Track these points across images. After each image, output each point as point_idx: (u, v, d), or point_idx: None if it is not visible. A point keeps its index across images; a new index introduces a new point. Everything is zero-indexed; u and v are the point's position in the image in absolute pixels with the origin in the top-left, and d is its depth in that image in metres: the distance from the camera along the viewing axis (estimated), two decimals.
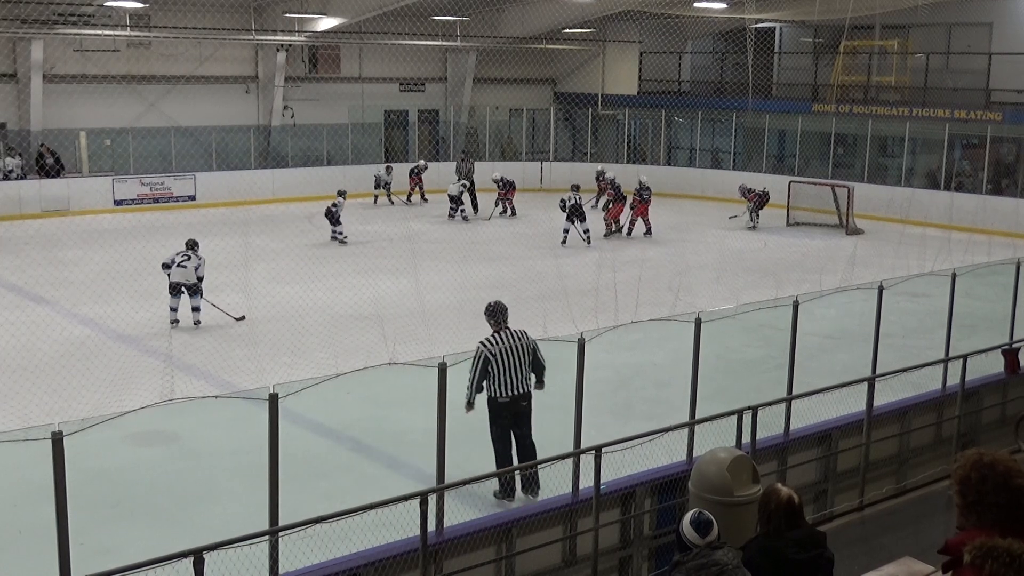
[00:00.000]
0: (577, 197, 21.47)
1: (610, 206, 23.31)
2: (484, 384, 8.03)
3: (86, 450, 5.97)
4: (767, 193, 24.28)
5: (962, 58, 27.34)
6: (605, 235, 22.52)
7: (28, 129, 24.43)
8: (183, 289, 14.36)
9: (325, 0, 25.53)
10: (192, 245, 14.88)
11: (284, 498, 5.66)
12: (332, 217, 21.25)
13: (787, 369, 8.47)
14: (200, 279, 14.46)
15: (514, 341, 8.06)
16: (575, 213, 21.21)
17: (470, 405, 8.06)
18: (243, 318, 14.39)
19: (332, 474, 9.29)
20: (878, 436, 8.65)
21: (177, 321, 14.30)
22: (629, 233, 22.72)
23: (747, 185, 24.86)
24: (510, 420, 8.03)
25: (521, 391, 8.02)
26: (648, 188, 22.97)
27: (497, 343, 8.03)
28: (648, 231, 22.85)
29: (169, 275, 14.33)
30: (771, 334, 12.27)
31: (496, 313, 8.29)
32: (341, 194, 21.54)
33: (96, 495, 8.41)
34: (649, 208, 22.86)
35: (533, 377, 8.19)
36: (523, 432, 8.07)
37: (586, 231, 21.28)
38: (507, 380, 7.97)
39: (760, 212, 24.31)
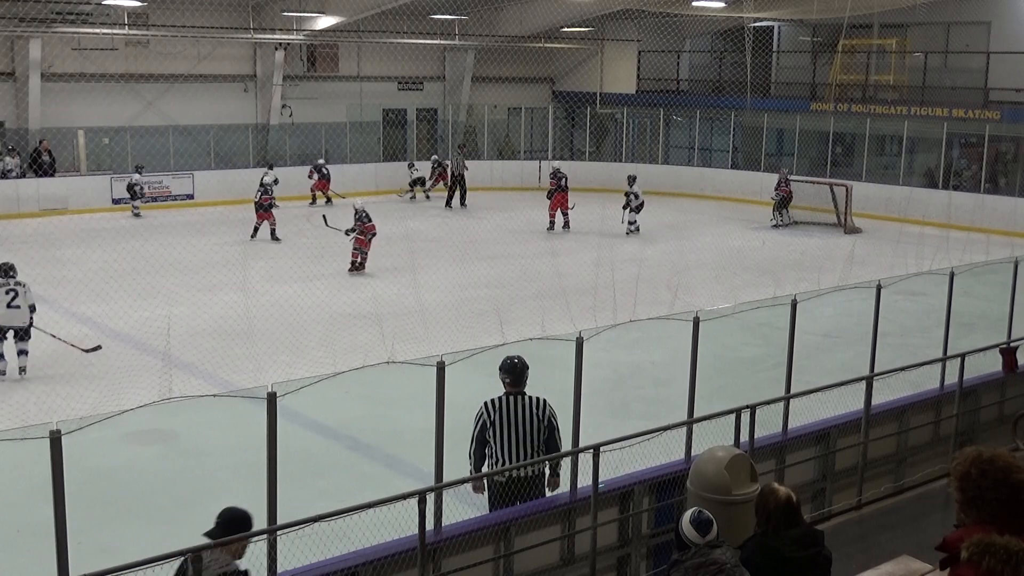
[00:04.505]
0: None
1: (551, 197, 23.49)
2: (485, 454, 6.86)
3: (84, 449, 5.97)
4: (792, 193, 24.39)
5: (960, 57, 27.35)
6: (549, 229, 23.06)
7: (26, 128, 24.42)
8: (5, 335, 11.63)
9: None
10: (8, 271, 11.83)
11: (282, 497, 5.66)
12: (134, 192, 23.70)
13: (785, 368, 8.47)
14: (33, 309, 11.82)
15: (525, 411, 6.78)
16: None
17: (478, 486, 6.84)
18: (98, 348, 12.39)
19: (330, 473, 9.29)
20: (876, 435, 8.65)
21: (2, 373, 11.62)
22: (552, 226, 23.04)
23: (787, 176, 24.86)
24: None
25: (522, 474, 6.75)
26: (565, 176, 23.30)
27: (501, 407, 6.79)
28: (567, 224, 23.09)
29: None
30: (769, 333, 12.28)
31: (512, 371, 6.84)
32: (139, 169, 24.06)
33: (94, 494, 8.41)
34: (568, 198, 23.19)
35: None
36: None
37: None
38: (505, 458, 6.75)
39: (784, 210, 24.39)
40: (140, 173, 24.24)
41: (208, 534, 5.07)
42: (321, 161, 26.70)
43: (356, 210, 18.23)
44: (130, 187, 23.95)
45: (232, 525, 5.10)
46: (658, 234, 22.70)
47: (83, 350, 12.34)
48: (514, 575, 6.49)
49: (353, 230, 18.03)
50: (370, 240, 18.01)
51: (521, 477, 6.79)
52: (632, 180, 23.04)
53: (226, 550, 5.03)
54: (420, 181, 27.96)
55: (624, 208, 22.78)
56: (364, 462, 9.80)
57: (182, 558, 4.96)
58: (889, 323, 10.80)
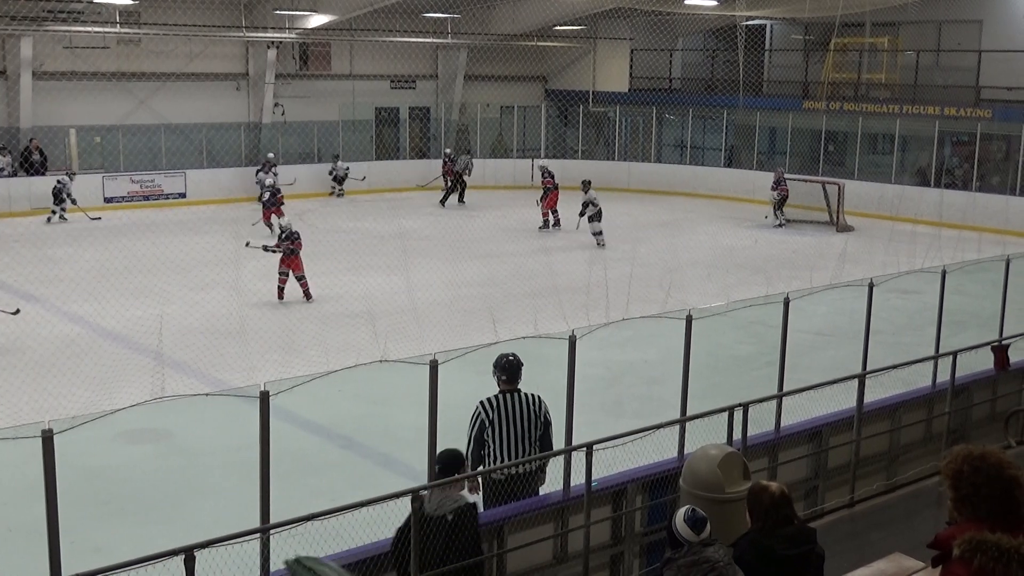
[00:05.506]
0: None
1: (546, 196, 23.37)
2: (483, 454, 6.87)
3: (77, 448, 5.95)
4: (787, 191, 24.49)
5: (952, 55, 27.42)
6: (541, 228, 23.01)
7: (17, 127, 24.34)
8: None
9: None
10: None
11: (275, 495, 5.65)
12: (57, 196, 22.41)
13: (778, 366, 8.49)
14: None
15: (522, 408, 6.82)
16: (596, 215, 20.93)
17: (473, 486, 6.67)
18: (17, 311, 13.11)
19: (323, 471, 9.29)
20: (868, 432, 8.67)
21: None
22: (546, 224, 23.07)
23: (784, 175, 24.85)
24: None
25: (520, 470, 6.79)
26: (552, 174, 23.24)
27: (499, 406, 6.82)
28: (557, 223, 23.05)
29: None
30: (762, 331, 12.30)
31: (508, 369, 6.87)
32: (69, 175, 23.02)
33: (87, 493, 8.39)
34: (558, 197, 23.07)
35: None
36: None
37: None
38: (504, 456, 6.80)
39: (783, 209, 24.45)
40: (71, 178, 22.84)
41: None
42: (271, 155, 26.35)
43: (281, 228, 16.16)
44: (55, 192, 22.44)
45: (451, 464, 5.77)
46: (651, 232, 22.70)
47: (9, 312, 13.02)
48: (507, 574, 6.49)
49: (275, 249, 16.06)
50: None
51: (519, 474, 6.81)
52: (587, 185, 21.22)
53: (456, 486, 5.65)
54: (341, 179, 27.67)
55: (580, 216, 21.06)
56: (357, 461, 9.79)
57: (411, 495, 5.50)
58: (881, 321, 10.83)
